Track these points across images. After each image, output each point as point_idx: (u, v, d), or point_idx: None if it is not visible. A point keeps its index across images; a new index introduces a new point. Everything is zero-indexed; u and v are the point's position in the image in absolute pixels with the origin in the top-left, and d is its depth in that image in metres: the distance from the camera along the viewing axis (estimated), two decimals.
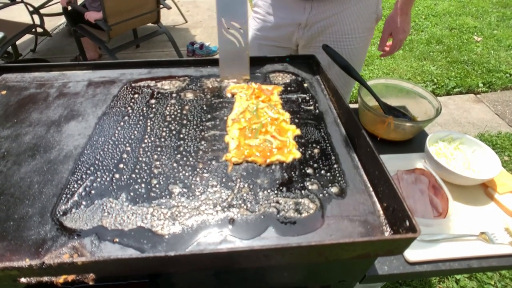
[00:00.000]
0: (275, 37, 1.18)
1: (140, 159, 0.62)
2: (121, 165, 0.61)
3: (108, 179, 0.58)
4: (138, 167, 0.61)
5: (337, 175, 0.60)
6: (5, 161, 0.62)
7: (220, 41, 0.83)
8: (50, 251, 0.46)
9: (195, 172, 0.60)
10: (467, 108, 2.63)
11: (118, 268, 0.43)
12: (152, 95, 0.81)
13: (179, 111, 0.76)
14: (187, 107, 0.77)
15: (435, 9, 4.36)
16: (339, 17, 1.08)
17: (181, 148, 0.65)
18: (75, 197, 0.54)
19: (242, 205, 0.54)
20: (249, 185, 0.58)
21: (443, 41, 3.57)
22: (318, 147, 0.66)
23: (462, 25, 3.91)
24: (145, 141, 0.67)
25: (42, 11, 3.03)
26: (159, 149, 0.65)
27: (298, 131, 0.70)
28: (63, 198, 0.54)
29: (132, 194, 0.55)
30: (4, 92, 0.81)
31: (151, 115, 0.74)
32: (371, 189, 0.57)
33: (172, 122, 0.72)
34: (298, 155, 0.64)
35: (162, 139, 0.67)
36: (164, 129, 0.70)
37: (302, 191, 0.56)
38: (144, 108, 0.76)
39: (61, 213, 0.52)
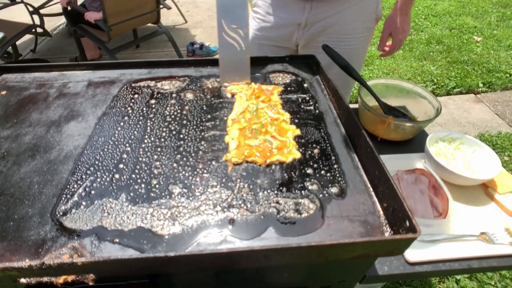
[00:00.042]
0: (275, 37, 1.18)
1: (140, 159, 0.62)
2: (121, 165, 0.61)
3: (108, 179, 0.58)
4: (138, 167, 0.61)
5: (337, 175, 0.60)
6: (5, 161, 0.62)
7: (221, 45, 0.82)
8: (50, 252, 0.46)
9: (195, 173, 0.60)
10: (467, 108, 2.63)
11: (118, 269, 0.43)
12: (152, 95, 0.81)
13: (179, 111, 0.76)
14: (187, 107, 0.77)
15: (435, 9, 4.36)
16: (339, 17, 1.08)
17: (181, 149, 0.65)
18: (75, 198, 0.54)
19: (242, 205, 0.54)
20: (249, 185, 0.58)
21: (443, 41, 3.57)
22: (318, 147, 0.66)
23: (462, 25, 3.91)
24: (145, 141, 0.67)
25: (42, 11, 3.03)
26: (159, 149, 0.65)
27: (298, 131, 0.70)
28: (63, 198, 0.54)
29: (132, 194, 0.55)
30: (4, 92, 0.81)
31: (151, 115, 0.74)
32: (371, 189, 0.57)
33: (172, 122, 0.72)
34: (298, 155, 0.64)
35: (162, 139, 0.67)
36: (164, 129, 0.70)
37: (302, 191, 0.56)
38: (144, 108, 0.76)
39: (61, 213, 0.52)
